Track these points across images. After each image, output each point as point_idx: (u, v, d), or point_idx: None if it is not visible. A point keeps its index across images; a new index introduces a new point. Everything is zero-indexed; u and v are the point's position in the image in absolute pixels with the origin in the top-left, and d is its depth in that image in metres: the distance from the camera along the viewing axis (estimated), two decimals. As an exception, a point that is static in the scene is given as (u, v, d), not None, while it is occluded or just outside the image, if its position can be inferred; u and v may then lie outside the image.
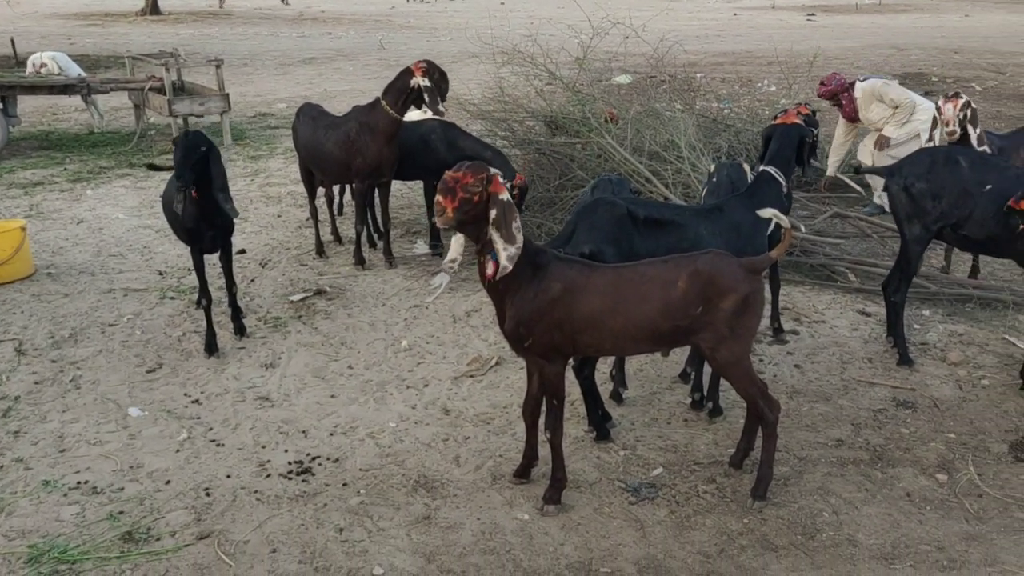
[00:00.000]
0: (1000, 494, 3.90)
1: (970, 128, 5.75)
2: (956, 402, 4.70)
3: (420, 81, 6.08)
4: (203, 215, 4.96)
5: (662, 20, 15.78)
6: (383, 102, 6.23)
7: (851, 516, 3.74)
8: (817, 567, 3.44)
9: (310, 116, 6.75)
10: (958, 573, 3.40)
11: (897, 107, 7.42)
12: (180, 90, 11.20)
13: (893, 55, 19.13)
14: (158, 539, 3.61)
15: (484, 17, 15.74)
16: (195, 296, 5.45)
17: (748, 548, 3.54)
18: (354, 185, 6.65)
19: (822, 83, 7.70)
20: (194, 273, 5.26)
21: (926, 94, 14.05)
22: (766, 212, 4.00)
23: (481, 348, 5.36)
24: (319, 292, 6.21)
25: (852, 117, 7.67)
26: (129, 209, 8.21)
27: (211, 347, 5.23)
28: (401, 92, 6.17)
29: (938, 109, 5.93)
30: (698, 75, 15.06)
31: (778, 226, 4.12)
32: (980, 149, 5.60)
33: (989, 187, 4.76)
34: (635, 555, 3.52)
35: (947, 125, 5.85)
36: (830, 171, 7.88)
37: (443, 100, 6.24)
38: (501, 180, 3.44)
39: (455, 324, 5.73)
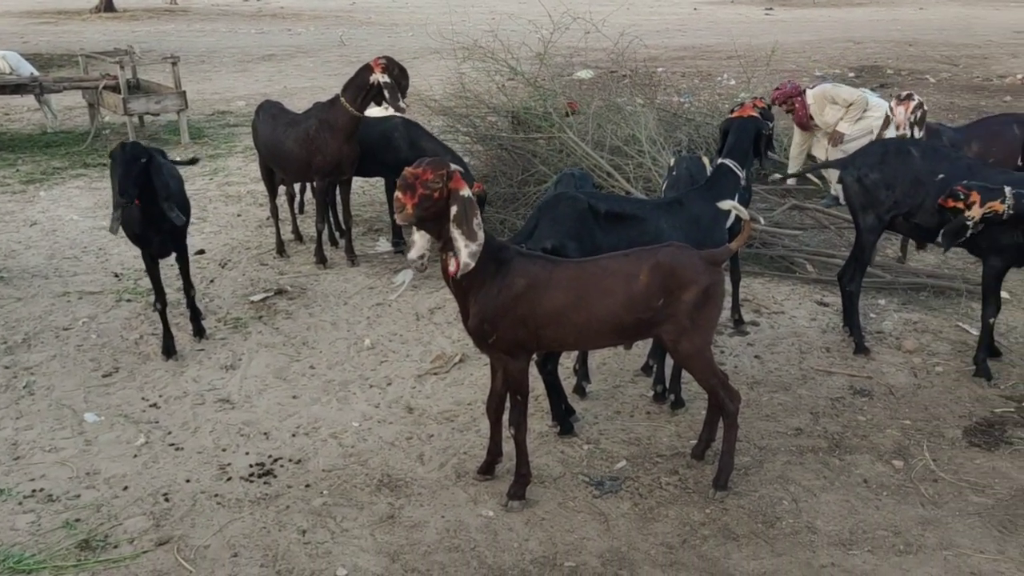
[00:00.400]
0: (954, 478, 3.98)
1: (916, 130, 5.86)
2: (911, 389, 4.79)
3: (380, 77, 6.04)
4: (149, 221, 4.86)
5: (623, 15, 15.84)
6: (342, 99, 6.18)
7: (810, 503, 3.80)
8: (777, 554, 3.48)
9: (270, 113, 6.68)
10: (914, 557, 3.47)
11: (850, 104, 7.53)
12: (135, 88, 11.01)
13: (850, 48, 19.40)
14: (116, 546, 3.55)
15: (445, 12, 15.66)
16: (152, 298, 5.36)
17: (710, 538, 3.58)
18: (315, 183, 6.60)
19: (777, 88, 7.88)
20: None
21: (881, 87, 14.35)
22: (725, 204, 4.04)
23: (445, 345, 5.35)
24: (280, 292, 6.15)
25: (803, 124, 7.81)
26: (84, 210, 8.05)
27: (168, 350, 5.15)
28: (360, 88, 6.13)
29: (890, 110, 5.97)
30: (659, 69, 15.16)
31: (738, 218, 4.17)
32: None
33: (941, 176, 4.86)
34: (599, 548, 3.54)
35: (898, 128, 5.88)
36: (791, 170, 8.00)
37: (404, 96, 6.20)
38: (462, 176, 3.42)
39: (418, 322, 5.70)
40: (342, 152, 6.30)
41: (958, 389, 4.78)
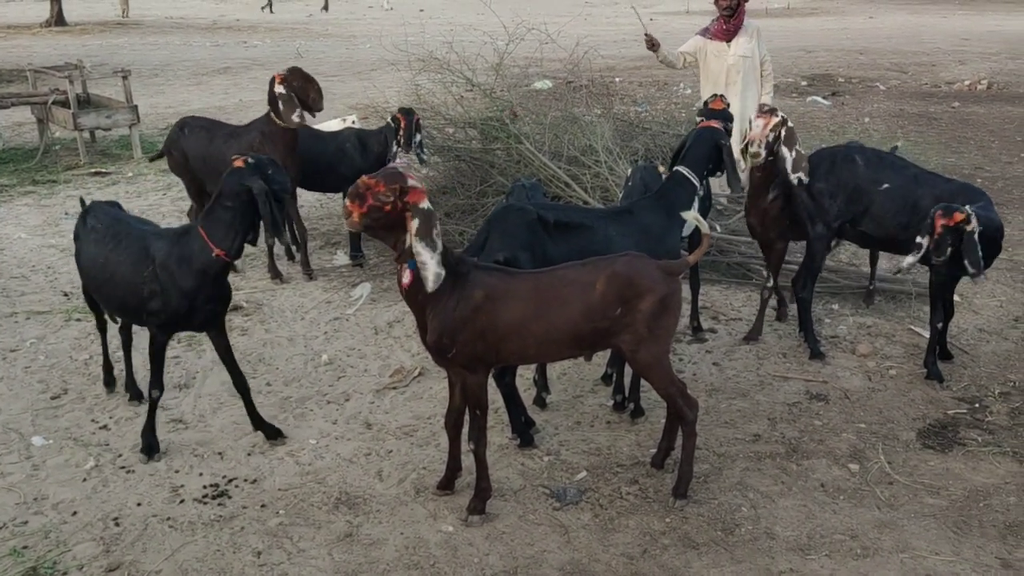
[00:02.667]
0: (909, 481, 4.03)
1: (784, 150, 5.09)
2: (866, 393, 4.85)
3: (277, 88, 6.04)
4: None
5: (579, 25, 15.96)
6: (271, 113, 6.16)
7: (768, 509, 3.82)
8: (736, 561, 3.49)
9: (200, 127, 6.50)
10: (871, 560, 3.50)
11: None
12: (86, 103, 10.80)
13: (801, 57, 19.74)
14: (65, 573, 3.45)
15: (402, 25, 15.63)
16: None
17: (670, 547, 3.58)
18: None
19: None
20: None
21: (833, 95, 14.62)
22: (688, 215, 4.05)
23: (404, 359, 5.30)
24: (235, 308, 6.04)
25: None
26: (32, 228, 7.86)
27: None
28: (272, 102, 6.10)
29: (750, 123, 5.27)
30: (616, 79, 15.29)
31: (698, 228, 4.17)
32: (794, 176, 5.08)
33: (886, 186, 4.94)
34: (560, 561, 3.51)
35: (751, 144, 5.10)
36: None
37: (315, 107, 6.16)
38: (419, 187, 3.40)
39: (377, 336, 5.65)
40: (286, 164, 6.20)
41: (911, 392, 4.86)
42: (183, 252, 3.99)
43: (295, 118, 6.04)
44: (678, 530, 3.68)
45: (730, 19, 7.01)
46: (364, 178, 3.38)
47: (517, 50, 8.30)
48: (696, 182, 4.62)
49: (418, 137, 6.69)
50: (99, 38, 25.70)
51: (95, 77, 11.69)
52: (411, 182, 3.39)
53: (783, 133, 5.09)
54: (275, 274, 6.53)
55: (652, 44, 7.07)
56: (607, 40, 20.69)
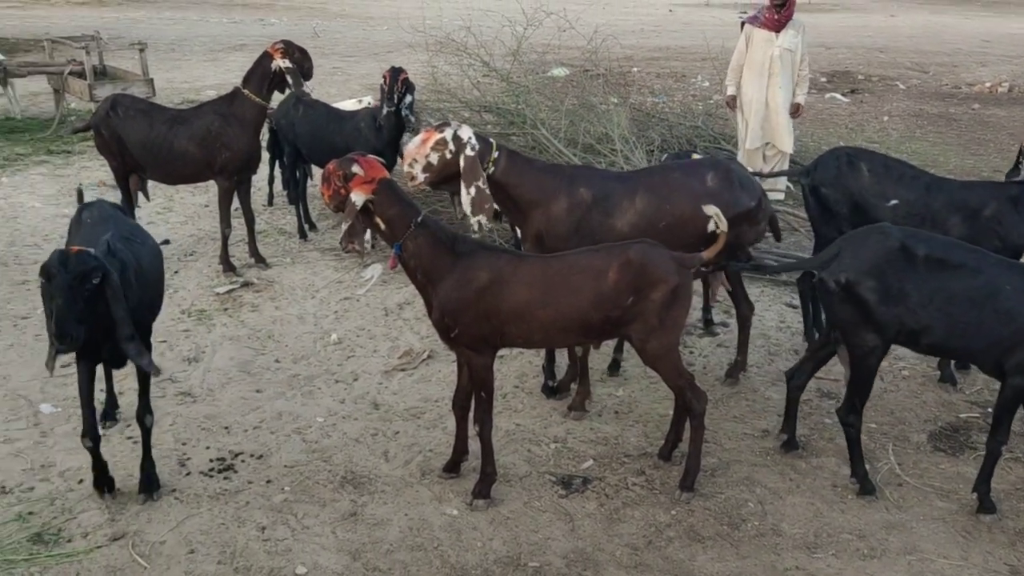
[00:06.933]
0: (919, 483, 4.00)
1: (463, 186, 4.08)
2: (878, 393, 4.79)
3: (280, 63, 5.89)
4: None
5: (598, 14, 15.83)
6: (245, 91, 5.94)
7: (775, 506, 3.79)
8: (742, 557, 3.47)
9: (136, 110, 6.05)
10: (878, 561, 3.47)
11: None
12: (102, 75, 10.78)
13: (821, 53, 19.56)
14: (69, 540, 3.46)
15: (419, 7, 15.54)
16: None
17: (675, 539, 3.56)
18: (218, 183, 6.11)
19: None
20: None
21: (852, 92, 14.49)
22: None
23: (412, 341, 5.29)
24: (246, 284, 6.04)
25: None
26: (46, 198, 7.86)
27: (99, 482, 3.72)
28: (264, 77, 5.95)
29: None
30: (633, 69, 15.18)
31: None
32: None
33: (894, 202, 4.80)
34: (564, 549, 3.50)
35: (409, 165, 4.15)
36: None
37: (308, 79, 6.08)
38: (362, 178, 3.47)
39: (387, 317, 5.64)
40: (252, 147, 6.05)
41: (924, 394, 4.81)
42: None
43: (307, 88, 5.98)
44: (684, 523, 3.66)
45: (781, 9, 6.98)
46: (331, 163, 3.52)
47: (535, 36, 8.25)
48: None
49: (409, 98, 6.38)
50: (116, 11, 25.66)
51: (112, 49, 11.66)
52: (354, 168, 3.45)
53: (464, 161, 4.08)
54: (228, 267, 6.19)
55: (730, 105, 7.41)
56: (626, 29, 20.55)
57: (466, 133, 4.12)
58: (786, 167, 7.34)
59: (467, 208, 4.12)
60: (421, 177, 4.15)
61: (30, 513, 3.62)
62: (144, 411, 3.70)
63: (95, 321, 3.23)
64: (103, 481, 3.72)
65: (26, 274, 6.09)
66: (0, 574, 3.27)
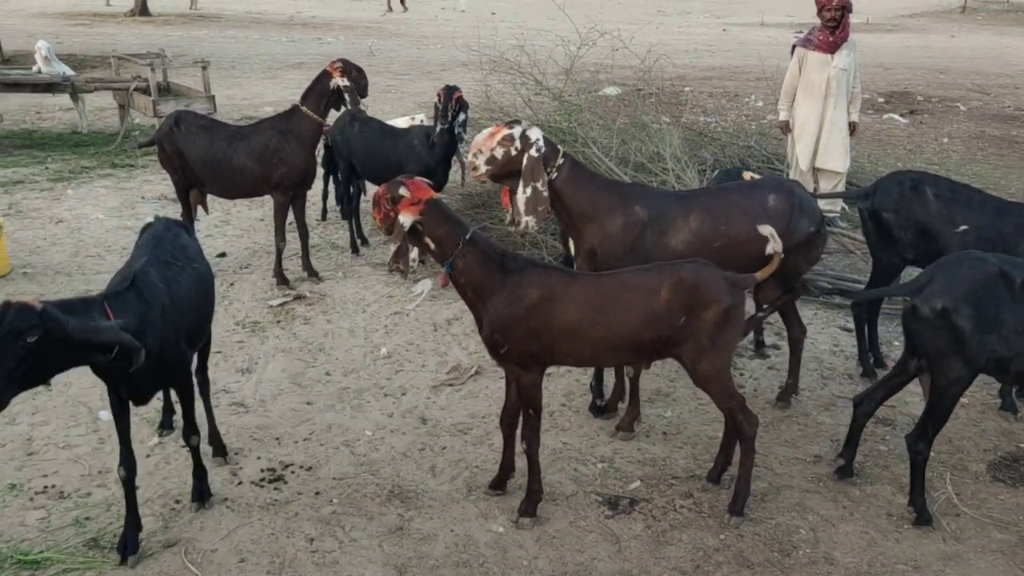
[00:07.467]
0: (978, 514, 3.88)
1: (521, 185, 4.13)
2: (935, 420, 4.68)
3: (339, 81, 6.03)
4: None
5: (651, 33, 15.84)
6: (304, 108, 6.09)
7: (828, 533, 3.71)
8: (793, 585, 3.40)
9: (198, 126, 6.24)
10: (934, 593, 3.37)
11: None
12: (166, 91, 11.11)
13: (879, 74, 19.25)
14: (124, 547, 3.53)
15: (474, 26, 15.69)
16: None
17: (724, 565, 3.51)
18: (275, 198, 6.23)
19: None
20: None
21: (911, 113, 14.23)
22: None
23: (461, 357, 5.32)
24: (299, 297, 6.14)
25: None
26: (109, 210, 8.11)
27: (125, 546, 3.48)
28: (322, 95, 6.09)
29: None
30: (686, 89, 15.12)
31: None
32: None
33: (963, 228, 4.68)
34: (610, 570, 3.47)
35: (474, 155, 4.21)
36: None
37: (364, 96, 6.20)
38: (409, 200, 3.52)
39: (435, 332, 5.68)
40: (308, 163, 6.19)
41: (983, 422, 4.68)
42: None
43: (362, 105, 6.10)
44: (732, 548, 3.61)
45: (835, 31, 6.88)
46: (380, 187, 3.58)
47: (588, 55, 8.28)
48: None
49: (462, 116, 6.46)
50: (180, 29, 26.44)
51: (176, 66, 12.03)
52: (401, 191, 3.51)
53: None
54: (281, 280, 6.30)
55: (784, 130, 7.32)
56: (679, 49, 20.48)
57: (535, 134, 4.17)
58: (843, 188, 7.22)
59: (520, 206, 4.17)
60: (483, 169, 4.20)
61: (87, 518, 3.72)
62: (190, 431, 3.76)
63: (38, 378, 3.01)
64: (130, 528, 3.46)
65: (89, 284, 6.28)
66: (57, 576, 3.36)
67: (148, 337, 3.22)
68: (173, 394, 4.41)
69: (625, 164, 7.17)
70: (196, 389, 3.87)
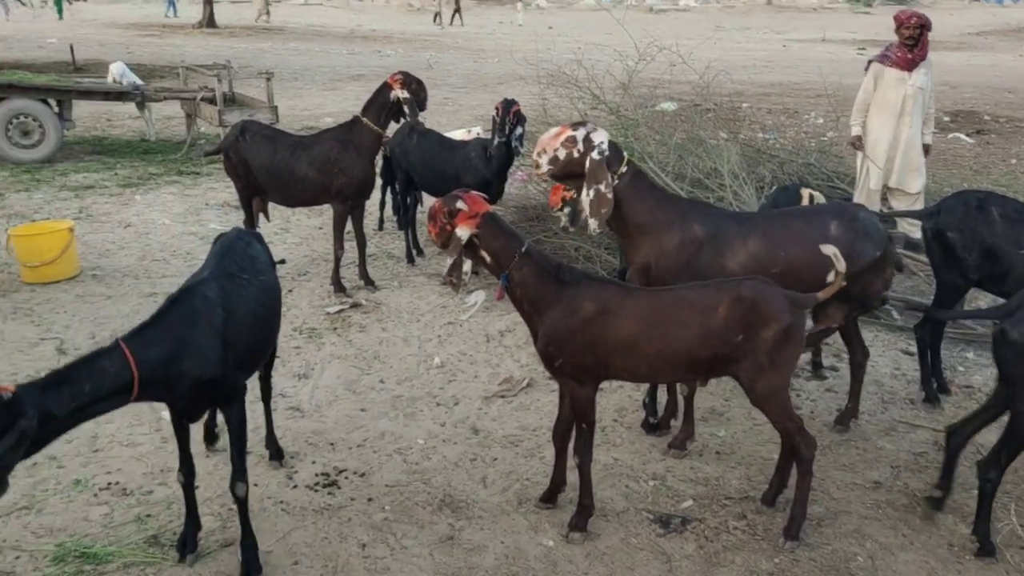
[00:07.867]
0: (1045, 547, 3.75)
1: (585, 187, 4.14)
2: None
3: (399, 93, 6.11)
4: None
5: (710, 48, 15.72)
6: (364, 119, 6.20)
7: (887, 562, 3.62)
8: (849, 612, 3.33)
9: (263, 136, 6.40)
10: (998, 628, 3.27)
11: None
12: (231, 101, 11.39)
13: (945, 92, 18.80)
14: (184, 545, 3.61)
15: (532, 40, 15.76)
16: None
17: (778, 588, 3.44)
18: (334, 207, 6.35)
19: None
20: None
21: (978, 132, 13.87)
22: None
23: (513, 368, 5.33)
24: (356, 305, 6.24)
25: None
26: (175, 215, 8.35)
27: (184, 544, 3.53)
28: (383, 107, 6.18)
29: None
30: (744, 105, 14.98)
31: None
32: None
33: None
34: (661, 589, 3.44)
35: (537, 154, 4.26)
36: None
37: (423, 108, 6.28)
38: (466, 213, 3.54)
39: (488, 343, 5.70)
40: (367, 173, 6.29)
41: (1051, 452, 4.51)
42: None
43: (421, 118, 6.19)
44: (787, 572, 3.54)
45: (913, 48, 6.78)
46: (436, 201, 3.62)
47: (645, 70, 8.26)
48: None
49: (519, 130, 6.52)
50: (245, 41, 27.13)
51: (241, 77, 12.33)
52: (458, 204, 3.53)
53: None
54: (338, 287, 6.41)
55: (855, 145, 7.17)
56: (737, 65, 20.30)
57: (599, 137, 4.16)
58: (921, 206, 7.07)
59: (584, 207, 4.17)
60: (545, 168, 4.21)
61: (148, 515, 3.81)
62: (237, 477, 3.38)
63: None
64: (190, 527, 3.51)
65: (155, 287, 6.47)
66: (117, 573, 3.44)
67: (186, 361, 3.11)
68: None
69: (682, 179, 7.13)
70: (262, 398, 3.90)
